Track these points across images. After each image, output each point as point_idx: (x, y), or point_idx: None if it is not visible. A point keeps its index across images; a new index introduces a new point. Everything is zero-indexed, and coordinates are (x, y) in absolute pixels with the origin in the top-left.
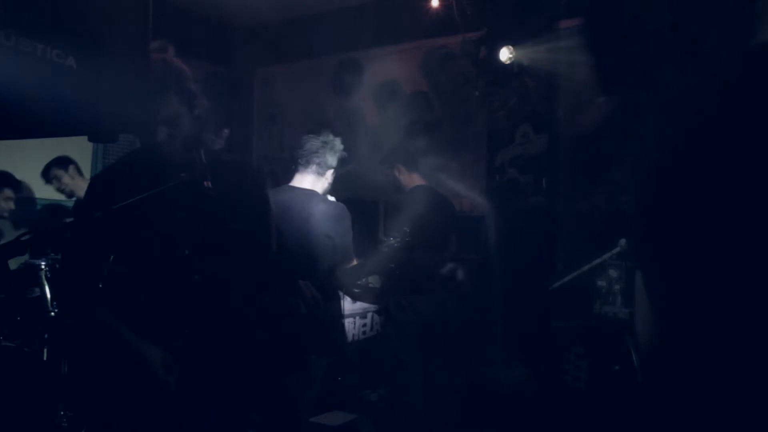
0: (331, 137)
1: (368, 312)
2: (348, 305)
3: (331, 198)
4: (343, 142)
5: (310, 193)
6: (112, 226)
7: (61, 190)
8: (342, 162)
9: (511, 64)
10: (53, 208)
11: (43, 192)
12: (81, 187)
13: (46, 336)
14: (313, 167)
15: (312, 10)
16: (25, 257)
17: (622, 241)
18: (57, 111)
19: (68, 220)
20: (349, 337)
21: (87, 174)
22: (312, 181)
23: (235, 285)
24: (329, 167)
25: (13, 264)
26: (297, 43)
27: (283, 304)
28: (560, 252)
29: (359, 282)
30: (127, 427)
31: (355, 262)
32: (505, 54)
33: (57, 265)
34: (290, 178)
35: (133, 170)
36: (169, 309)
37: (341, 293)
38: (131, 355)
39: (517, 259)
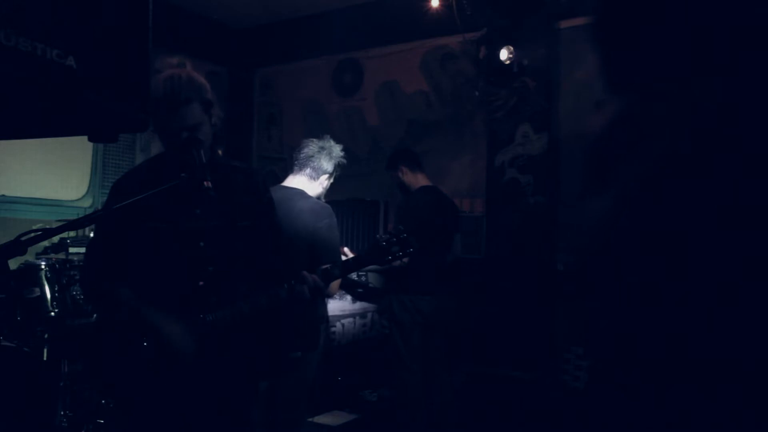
0: (330, 143)
1: (368, 312)
2: (348, 305)
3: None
4: (342, 143)
5: (297, 192)
6: (126, 221)
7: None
8: (340, 168)
9: (511, 64)
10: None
11: (35, 191)
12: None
13: (46, 336)
14: (307, 170)
15: (312, 9)
16: (25, 257)
17: None
18: (57, 111)
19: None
20: (349, 337)
21: (87, 174)
22: (304, 183)
23: (244, 276)
24: (324, 172)
25: (13, 264)
26: (297, 43)
27: (293, 292)
28: (560, 252)
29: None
30: (147, 398)
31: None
32: (505, 54)
33: (57, 265)
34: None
35: (147, 174)
36: (185, 297)
37: (342, 292)
38: (151, 329)
39: (517, 258)
